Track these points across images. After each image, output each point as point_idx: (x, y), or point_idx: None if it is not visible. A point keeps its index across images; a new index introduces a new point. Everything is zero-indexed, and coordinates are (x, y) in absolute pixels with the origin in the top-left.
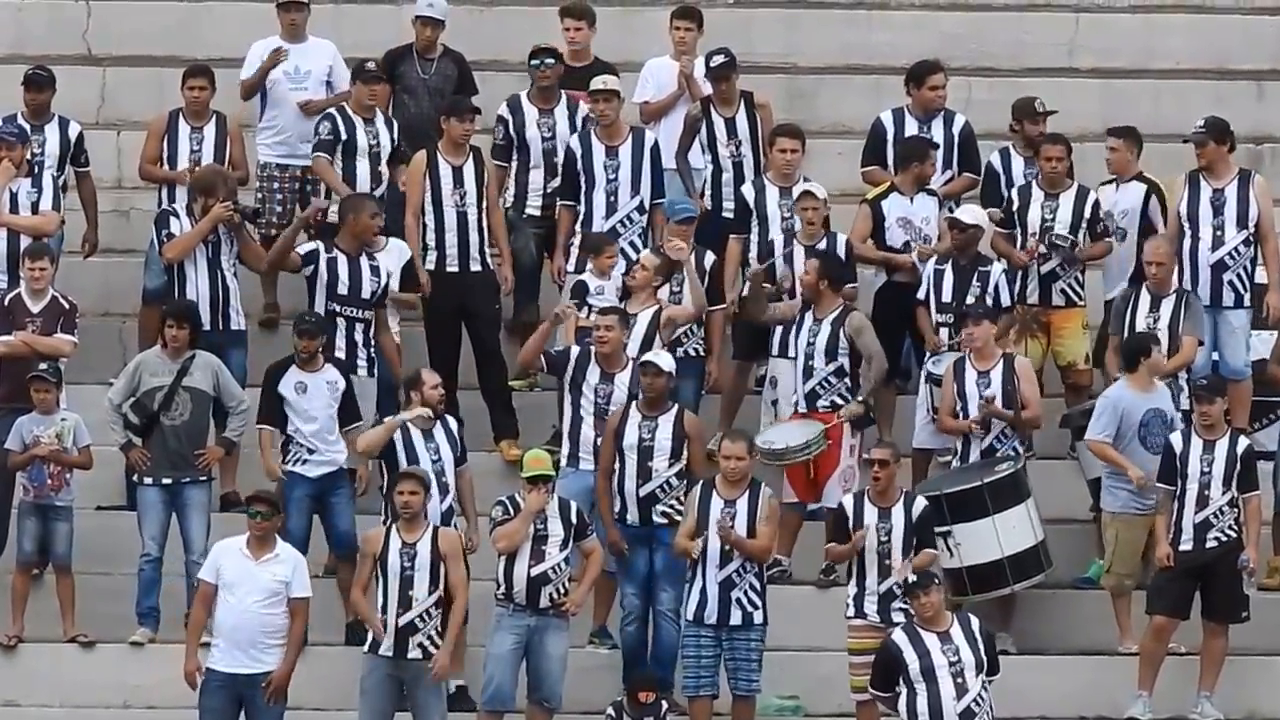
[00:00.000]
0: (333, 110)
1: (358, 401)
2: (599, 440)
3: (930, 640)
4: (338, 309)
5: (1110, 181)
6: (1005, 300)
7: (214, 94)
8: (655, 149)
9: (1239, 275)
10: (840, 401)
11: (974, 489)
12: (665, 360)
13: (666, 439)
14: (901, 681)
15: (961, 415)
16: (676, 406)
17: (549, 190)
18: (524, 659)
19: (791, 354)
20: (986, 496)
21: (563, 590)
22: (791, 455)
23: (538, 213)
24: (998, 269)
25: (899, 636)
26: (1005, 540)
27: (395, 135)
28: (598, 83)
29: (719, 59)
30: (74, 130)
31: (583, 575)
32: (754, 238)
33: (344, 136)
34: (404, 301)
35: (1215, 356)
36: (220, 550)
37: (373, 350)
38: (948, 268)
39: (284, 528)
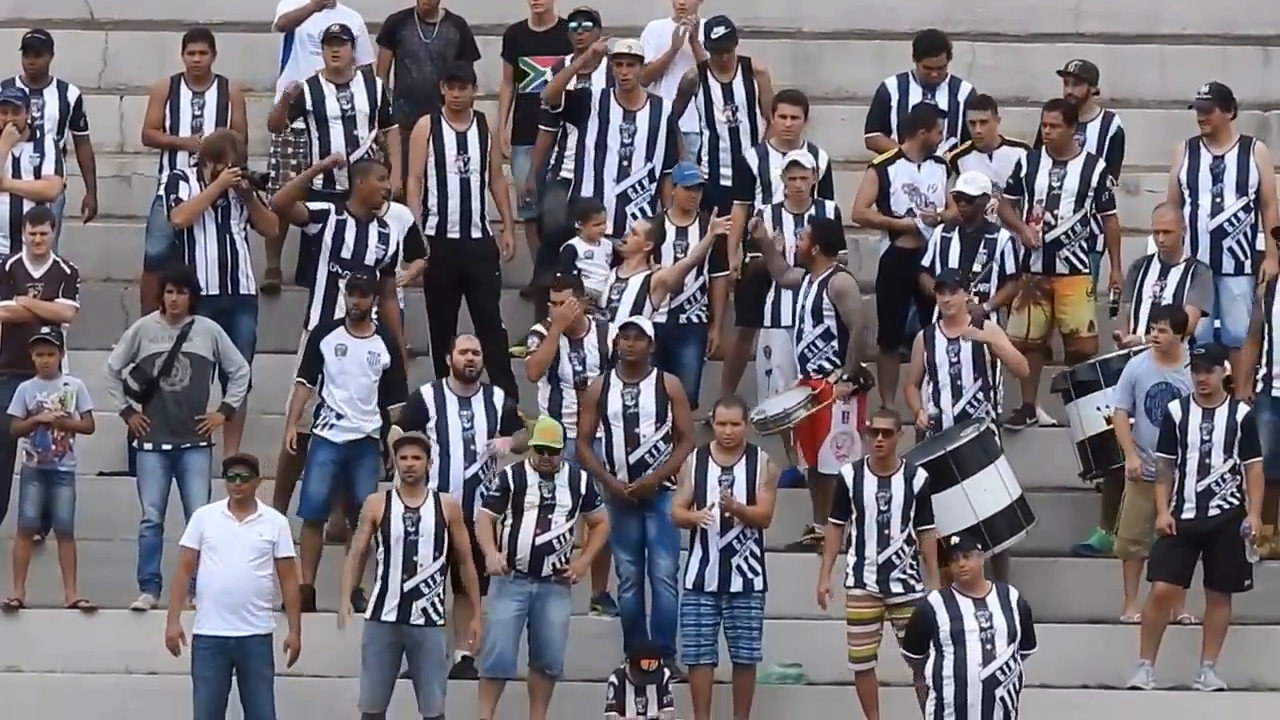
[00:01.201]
0: (303, 81)
1: (405, 378)
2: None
3: (965, 604)
4: (339, 271)
5: (965, 151)
6: (1010, 268)
7: (214, 58)
8: (673, 118)
9: (1239, 242)
10: (828, 365)
11: (940, 458)
12: (646, 323)
13: (651, 403)
14: (931, 645)
15: (929, 384)
16: (655, 370)
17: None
18: (525, 626)
19: (786, 322)
20: (952, 464)
21: (566, 559)
22: (773, 424)
23: (570, 176)
24: (1004, 236)
25: (934, 598)
26: (978, 504)
27: (380, 97)
28: (622, 46)
29: (720, 30)
30: (73, 94)
31: (587, 545)
32: (758, 204)
33: (309, 105)
34: (414, 275)
35: (1216, 325)
36: (201, 516)
37: (373, 317)
38: (954, 235)
39: (304, 490)
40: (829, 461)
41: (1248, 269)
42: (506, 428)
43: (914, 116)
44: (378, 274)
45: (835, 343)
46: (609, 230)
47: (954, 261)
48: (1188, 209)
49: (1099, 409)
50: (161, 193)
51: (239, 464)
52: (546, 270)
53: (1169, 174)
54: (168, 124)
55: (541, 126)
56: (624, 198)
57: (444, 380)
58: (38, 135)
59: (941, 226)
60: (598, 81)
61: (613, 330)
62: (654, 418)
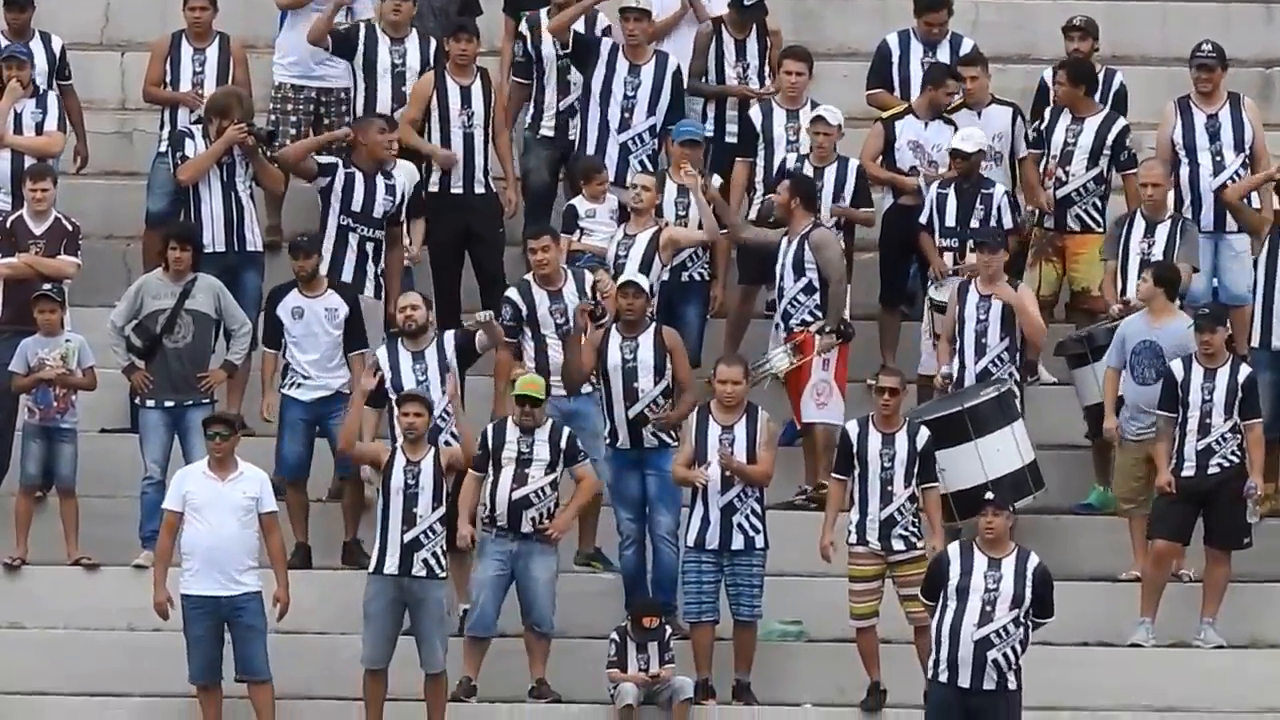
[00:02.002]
0: (360, 21)
1: (364, 324)
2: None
3: (979, 560)
4: (350, 224)
5: (955, 109)
6: (1008, 222)
7: (216, 14)
8: (677, 74)
9: (1242, 199)
10: (810, 319)
11: (955, 414)
12: (643, 280)
13: (649, 356)
14: (942, 595)
15: (957, 339)
16: (654, 324)
17: (561, 109)
18: (511, 585)
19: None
20: (968, 421)
21: (547, 515)
22: (757, 374)
23: (551, 133)
24: (999, 190)
25: (954, 548)
26: (989, 464)
27: (430, 57)
28: (630, 0)
29: None
30: (57, 44)
31: (570, 500)
32: (760, 162)
33: (362, 49)
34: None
35: (1215, 283)
36: (182, 477)
37: (381, 271)
38: (950, 192)
39: (279, 451)
40: (809, 409)
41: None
42: (463, 360)
43: (926, 74)
44: (384, 226)
45: (816, 296)
46: (610, 178)
47: (951, 218)
48: (1186, 169)
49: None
50: (163, 149)
51: (217, 422)
52: (535, 224)
53: (1159, 133)
54: (168, 80)
55: (513, 78)
56: (625, 149)
57: (398, 338)
58: (40, 91)
59: (937, 183)
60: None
61: (610, 286)
62: (652, 371)
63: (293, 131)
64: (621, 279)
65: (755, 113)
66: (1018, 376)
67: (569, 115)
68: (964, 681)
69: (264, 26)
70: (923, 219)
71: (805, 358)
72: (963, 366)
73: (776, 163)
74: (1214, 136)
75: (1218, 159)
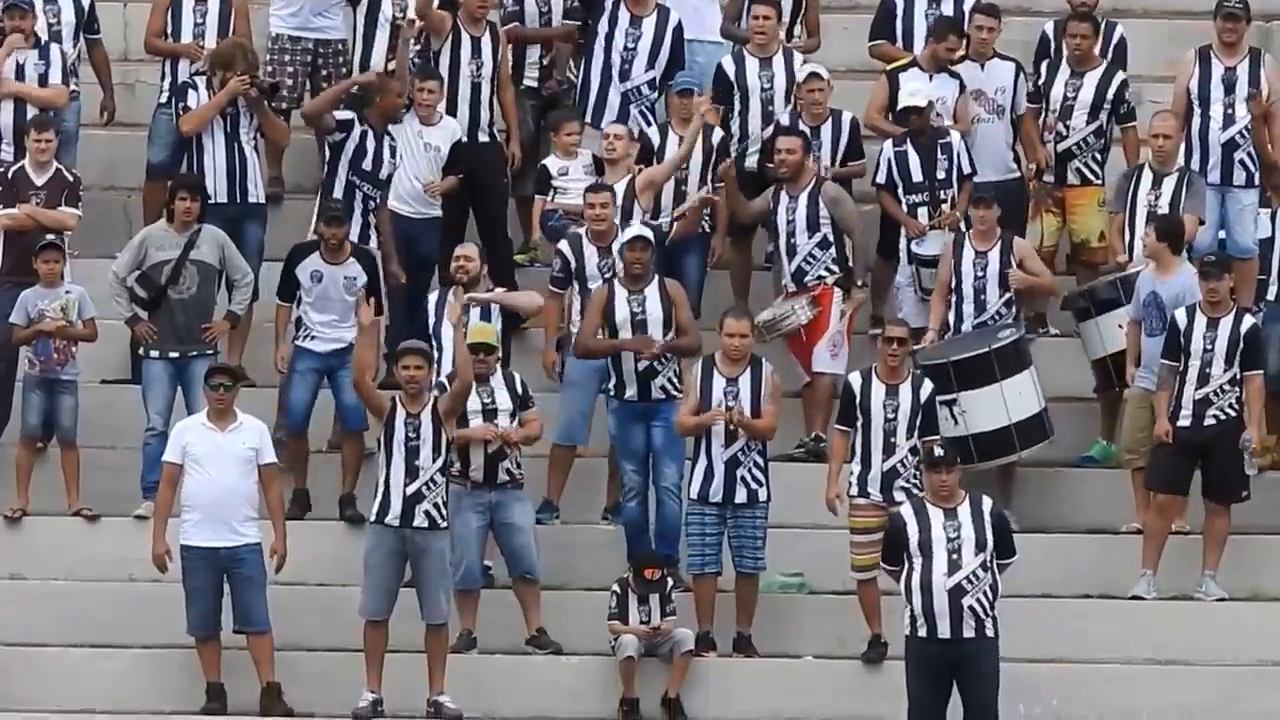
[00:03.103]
0: None
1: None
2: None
3: (935, 515)
4: (357, 182)
5: (959, 60)
6: (966, 168)
7: None
8: (679, 30)
9: (1250, 154)
10: (826, 274)
11: (982, 355)
12: (648, 232)
13: (657, 308)
14: (905, 556)
15: (954, 293)
16: (656, 277)
17: (544, 62)
18: (493, 536)
19: (776, 234)
20: (994, 362)
21: (517, 464)
22: (780, 323)
23: (535, 84)
24: (956, 138)
25: (905, 510)
26: (1012, 406)
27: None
28: None
29: None
30: None
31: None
32: (736, 110)
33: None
34: (447, 188)
35: (1222, 235)
36: (182, 429)
37: (373, 229)
38: (908, 147)
39: (286, 400)
40: (823, 359)
41: (1257, 181)
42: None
43: (932, 28)
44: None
45: (832, 250)
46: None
47: (918, 174)
48: (1197, 120)
49: (1120, 326)
50: (164, 100)
51: (220, 373)
52: (525, 180)
53: (1176, 83)
54: (169, 32)
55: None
56: (627, 98)
57: (449, 289)
58: (45, 43)
59: (891, 141)
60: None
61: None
62: (661, 323)
63: (289, 83)
64: (628, 233)
65: (727, 62)
66: (1023, 327)
67: (551, 67)
68: (944, 632)
69: None
70: (880, 179)
71: (821, 310)
72: (960, 321)
73: (753, 110)
74: (1229, 89)
75: (1229, 112)
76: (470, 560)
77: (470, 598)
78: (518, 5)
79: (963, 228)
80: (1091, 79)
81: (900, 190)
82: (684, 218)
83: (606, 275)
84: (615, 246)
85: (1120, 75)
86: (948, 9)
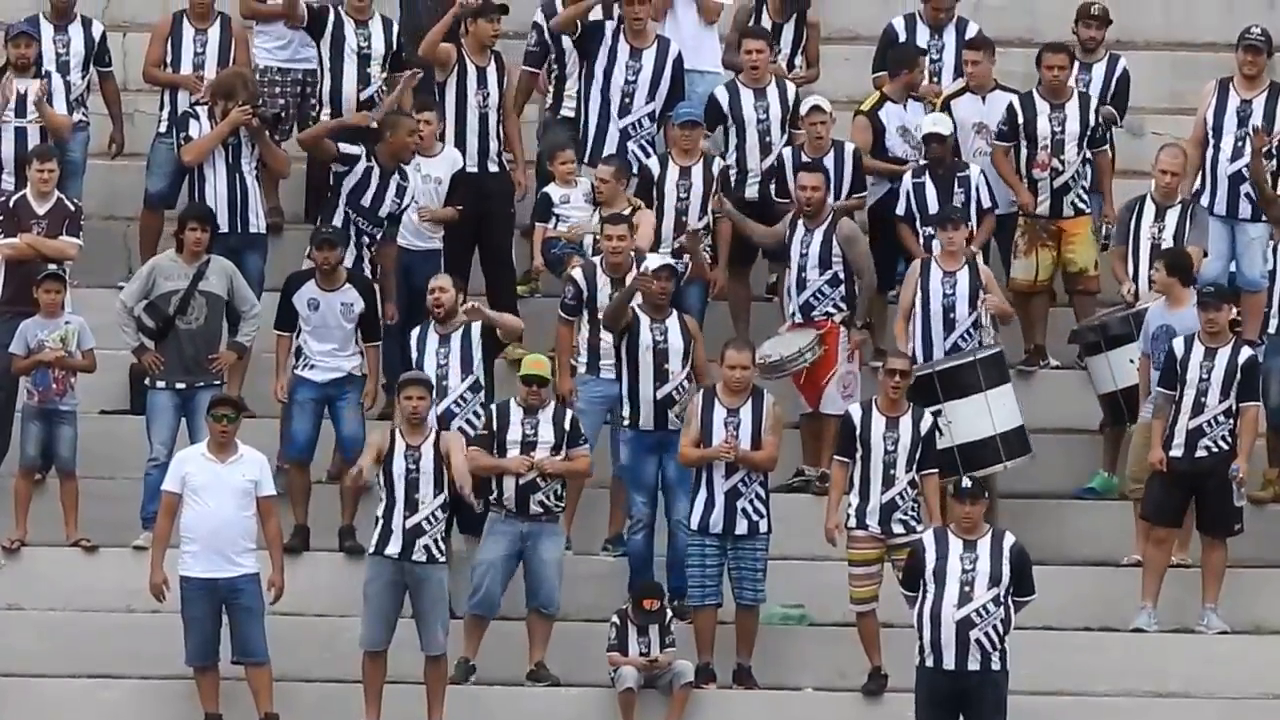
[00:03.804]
0: (328, 3)
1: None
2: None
3: (954, 544)
4: (354, 216)
5: (958, 93)
6: (986, 202)
7: None
8: (679, 61)
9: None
10: (834, 311)
11: (968, 364)
12: (675, 262)
13: (678, 340)
14: (921, 582)
15: (920, 315)
16: (674, 310)
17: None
18: (518, 566)
19: (788, 265)
20: (979, 371)
21: (554, 497)
22: (788, 365)
23: (572, 114)
24: (975, 171)
25: (927, 536)
26: (997, 416)
27: (394, 40)
28: None
29: None
30: (97, 30)
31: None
32: (732, 142)
33: (330, 29)
34: (443, 218)
35: (1233, 268)
36: (182, 459)
37: (368, 265)
38: (926, 179)
39: (288, 430)
40: (835, 402)
41: (1264, 216)
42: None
43: (899, 56)
44: (384, 224)
45: (842, 288)
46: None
47: (934, 206)
48: (1210, 151)
49: (1132, 361)
50: (163, 129)
51: (224, 405)
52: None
53: (1197, 113)
54: (169, 61)
55: (523, 67)
56: (625, 134)
57: (430, 321)
58: (48, 72)
59: (911, 171)
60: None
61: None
62: (681, 355)
63: (279, 114)
64: (654, 262)
65: (721, 92)
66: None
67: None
68: (949, 663)
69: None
70: (899, 210)
71: (827, 349)
72: (929, 343)
73: (749, 142)
74: (1242, 121)
75: (1239, 145)
76: (490, 586)
77: (479, 624)
78: (539, 46)
79: (935, 251)
80: (1073, 110)
81: (918, 222)
82: (691, 255)
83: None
84: (634, 274)
85: (1094, 101)
86: (950, 40)
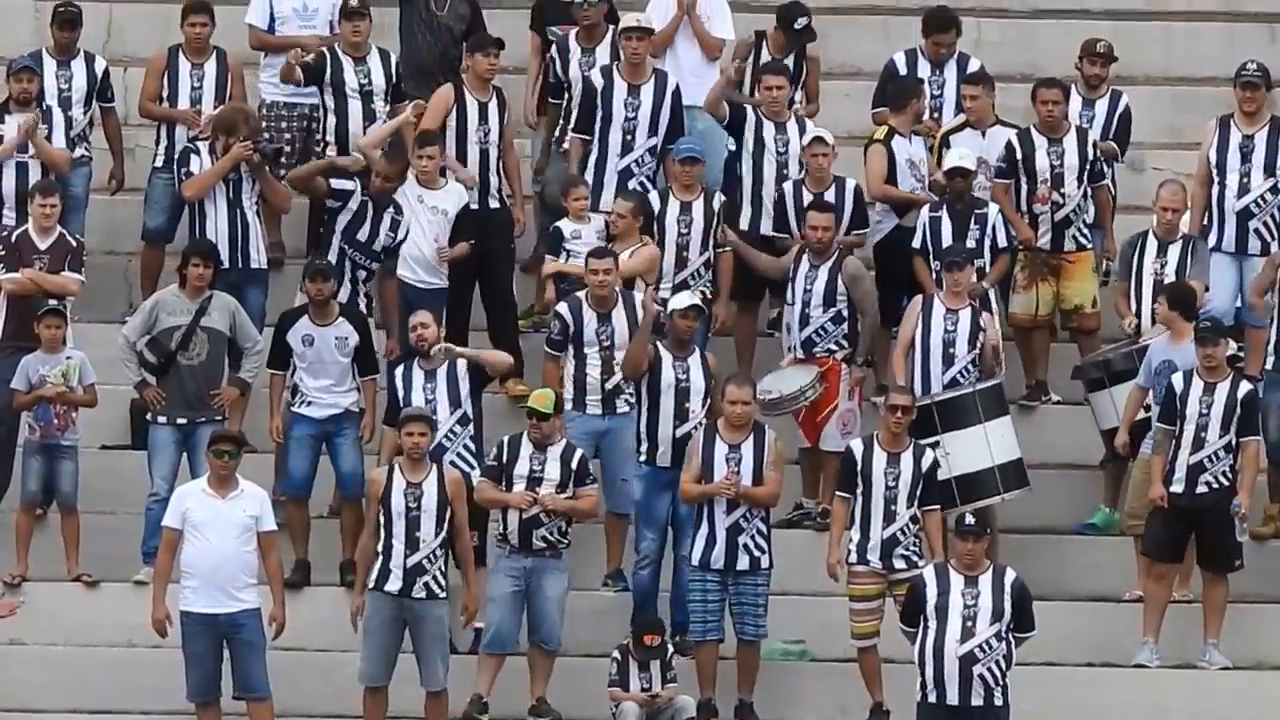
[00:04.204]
0: (323, 49)
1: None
2: (605, 383)
3: (955, 580)
4: (349, 250)
5: (957, 128)
6: (1002, 241)
7: (214, 30)
8: (677, 93)
9: (1265, 223)
10: (836, 348)
11: (967, 395)
12: (700, 300)
13: (700, 378)
14: (922, 618)
15: (920, 349)
16: (698, 348)
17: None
18: (524, 601)
19: (790, 300)
20: (978, 403)
21: (557, 533)
22: (787, 404)
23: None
24: (994, 210)
25: (928, 572)
26: (995, 448)
27: (393, 73)
28: (630, 20)
29: (803, 20)
30: (100, 65)
31: (572, 504)
32: (748, 173)
33: (329, 74)
34: (461, 255)
35: (1239, 304)
36: (182, 495)
37: (362, 299)
38: (944, 214)
39: (286, 467)
40: (834, 439)
41: (1273, 249)
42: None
43: (901, 89)
44: (381, 258)
45: (845, 325)
46: (599, 203)
47: (947, 240)
48: (1215, 188)
49: None
50: (159, 164)
51: (224, 440)
52: (544, 241)
53: (1200, 150)
54: (165, 96)
55: (550, 99)
56: (626, 172)
57: (415, 356)
58: (48, 106)
59: (929, 206)
60: (602, 56)
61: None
62: (702, 394)
63: (285, 149)
64: (682, 300)
65: (749, 116)
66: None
67: None
68: (952, 699)
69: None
70: (915, 243)
71: (828, 386)
72: (927, 376)
73: (768, 176)
74: (1245, 158)
75: (1244, 180)
76: (501, 624)
77: (493, 661)
78: (556, 80)
79: (939, 290)
80: (1070, 143)
81: (931, 256)
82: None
83: (605, 343)
84: (616, 314)
85: (1092, 136)
86: (950, 76)
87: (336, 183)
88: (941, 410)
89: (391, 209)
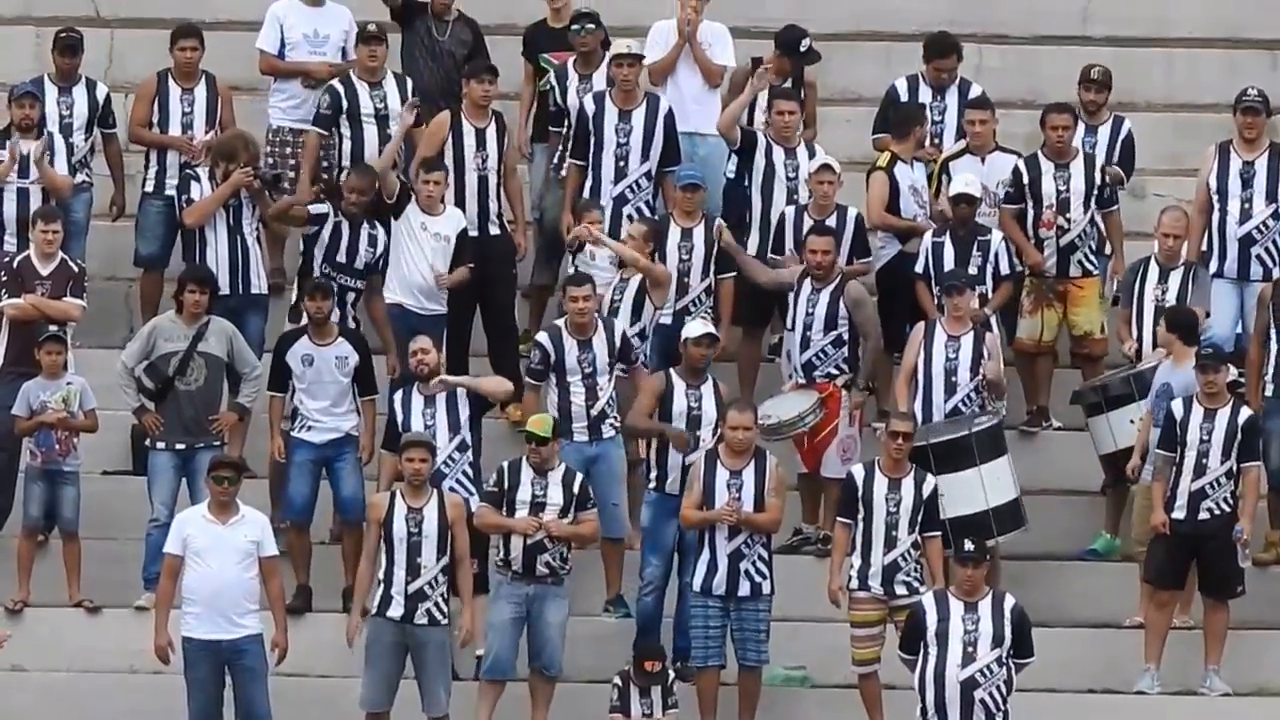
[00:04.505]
0: (334, 82)
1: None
2: (590, 410)
3: (955, 606)
4: (332, 273)
5: (957, 155)
6: (1005, 268)
7: (203, 55)
8: (669, 116)
9: (1267, 249)
10: (836, 372)
11: (962, 438)
12: (716, 330)
13: (711, 408)
14: (922, 645)
15: (923, 377)
16: (711, 377)
17: None
18: (524, 628)
19: (790, 325)
20: (974, 446)
21: (560, 559)
22: (786, 429)
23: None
24: (997, 237)
25: (928, 599)
26: (991, 491)
27: (409, 96)
28: (621, 46)
29: (806, 43)
30: (101, 92)
31: (574, 528)
32: (757, 197)
33: (345, 105)
34: (460, 281)
35: (1239, 330)
36: (183, 521)
37: (351, 320)
38: (946, 240)
39: (286, 493)
40: (834, 465)
41: (1275, 275)
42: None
43: (904, 116)
44: (365, 275)
45: (845, 349)
46: (605, 231)
47: (949, 266)
48: (1216, 215)
49: (1132, 421)
50: (149, 189)
51: (224, 467)
52: (545, 269)
53: (1198, 177)
54: (156, 121)
55: (550, 127)
56: (621, 199)
57: (414, 381)
58: (49, 132)
59: (932, 231)
60: (600, 82)
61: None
62: (713, 424)
63: (292, 175)
64: (697, 329)
65: (760, 140)
66: (995, 409)
67: None
68: None
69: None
70: (918, 268)
71: (828, 412)
72: (930, 406)
73: (778, 199)
74: (1246, 183)
75: (1246, 206)
76: (501, 650)
77: (493, 688)
78: (555, 106)
79: (940, 316)
80: (1078, 169)
81: (933, 281)
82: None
83: (587, 370)
84: (596, 341)
85: (1100, 161)
86: (952, 102)
87: (311, 208)
88: (937, 452)
89: (367, 226)
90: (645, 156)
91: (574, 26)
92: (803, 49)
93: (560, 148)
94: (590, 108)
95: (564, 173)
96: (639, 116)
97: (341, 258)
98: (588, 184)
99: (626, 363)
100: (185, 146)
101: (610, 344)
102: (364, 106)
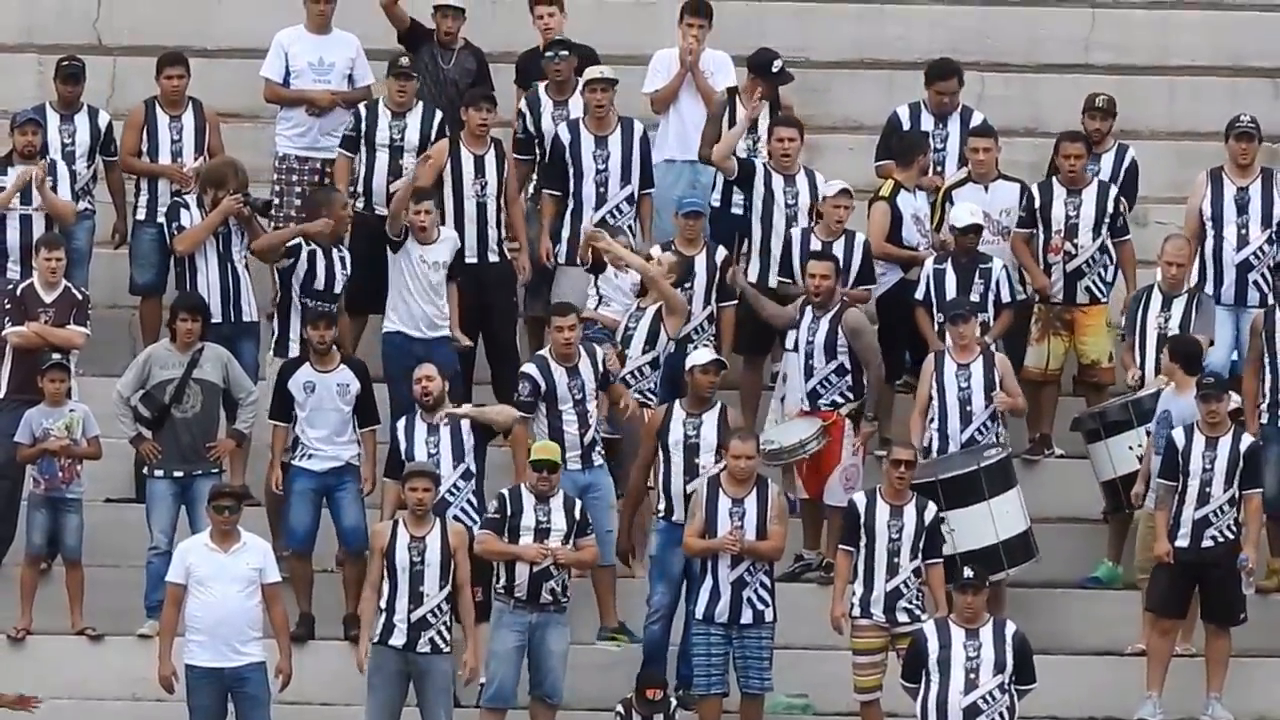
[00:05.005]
0: (361, 105)
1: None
2: (583, 438)
3: (956, 633)
4: (310, 303)
5: (960, 183)
6: (1006, 296)
7: (189, 82)
8: (645, 139)
9: (1264, 275)
10: (840, 400)
11: (971, 473)
12: (721, 357)
13: (712, 435)
14: (924, 673)
15: (937, 408)
16: (719, 404)
17: None
18: (526, 656)
19: (793, 349)
20: (983, 481)
21: (563, 586)
22: (787, 455)
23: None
24: (998, 265)
25: (929, 627)
26: (1000, 524)
27: (433, 128)
28: (594, 72)
29: (778, 63)
30: (103, 120)
31: (575, 554)
32: (757, 225)
33: (364, 129)
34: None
35: (1235, 356)
36: (185, 550)
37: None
38: (948, 267)
39: (287, 522)
40: (837, 493)
41: (1271, 301)
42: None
43: (906, 144)
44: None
45: (849, 378)
46: (588, 259)
47: (951, 293)
48: (1211, 241)
49: (1131, 448)
50: (141, 217)
51: (225, 496)
52: (535, 300)
53: (1189, 204)
54: (146, 149)
55: (515, 155)
56: (602, 224)
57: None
58: (53, 159)
59: (933, 259)
60: (575, 109)
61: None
62: (714, 450)
63: (297, 202)
64: (704, 357)
65: (758, 168)
66: (1005, 440)
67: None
68: None
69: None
70: (919, 295)
71: (831, 440)
72: (945, 438)
73: (778, 227)
74: (1241, 209)
75: (1242, 232)
76: (503, 679)
77: (494, 715)
78: (525, 134)
79: (947, 345)
80: (1089, 195)
81: (935, 309)
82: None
83: (577, 396)
84: (583, 367)
85: (1114, 189)
86: (954, 129)
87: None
88: (946, 488)
89: (336, 250)
90: (625, 180)
91: (547, 53)
92: (775, 69)
93: (534, 177)
94: (566, 137)
95: (540, 205)
96: (615, 141)
97: (319, 285)
98: (568, 211)
99: (604, 386)
100: (177, 175)
101: (595, 368)
102: (380, 134)
